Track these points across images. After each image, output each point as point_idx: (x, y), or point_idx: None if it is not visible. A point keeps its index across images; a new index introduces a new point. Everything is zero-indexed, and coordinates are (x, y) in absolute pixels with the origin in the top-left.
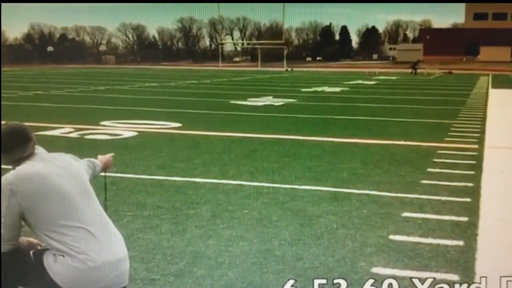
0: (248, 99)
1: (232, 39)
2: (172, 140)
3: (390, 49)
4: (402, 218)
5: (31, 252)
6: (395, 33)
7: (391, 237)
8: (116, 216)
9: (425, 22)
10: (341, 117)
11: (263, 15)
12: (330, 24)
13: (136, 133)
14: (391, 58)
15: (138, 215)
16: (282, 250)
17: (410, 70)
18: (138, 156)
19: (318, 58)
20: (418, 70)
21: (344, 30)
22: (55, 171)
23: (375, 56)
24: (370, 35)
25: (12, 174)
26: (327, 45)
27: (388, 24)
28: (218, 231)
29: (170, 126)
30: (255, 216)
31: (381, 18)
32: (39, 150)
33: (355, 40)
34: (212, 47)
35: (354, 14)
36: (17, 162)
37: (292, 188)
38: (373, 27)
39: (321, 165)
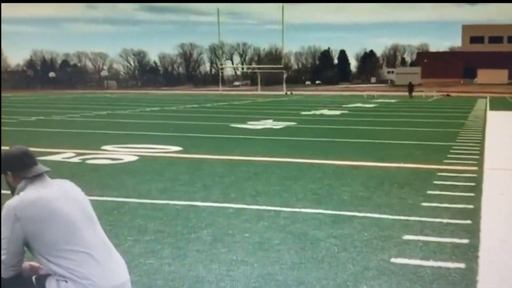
0: (248, 122)
1: (232, 63)
2: (173, 164)
3: (388, 72)
4: (403, 241)
5: (33, 278)
6: (393, 56)
7: (393, 260)
8: (117, 240)
9: (422, 45)
10: (341, 140)
11: (262, 40)
12: (329, 48)
13: (137, 157)
14: (389, 81)
15: (139, 240)
16: (283, 274)
17: (407, 93)
18: (139, 180)
19: (317, 82)
20: (414, 93)
21: (343, 54)
22: (59, 196)
23: (373, 80)
24: (368, 59)
25: (17, 200)
26: (326, 69)
27: (386, 48)
28: (219, 256)
29: (171, 150)
30: (256, 240)
31: (379, 42)
32: (43, 175)
33: (353, 63)
34: (213, 72)
35: (352, 38)
36: (21, 186)
37: (294, 211)
38: (371, 51)
39: (322, 188)
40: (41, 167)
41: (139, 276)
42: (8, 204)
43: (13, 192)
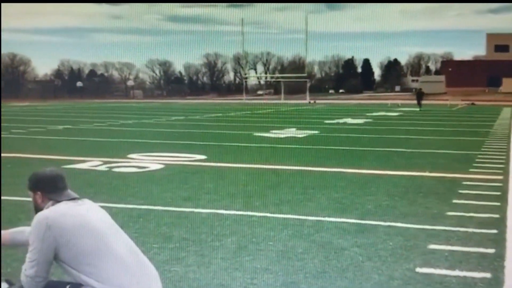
0: (272, 131)
1: (256, 73)
2: (198, 172)
3: (413, 81)
4: (429, 250)
5: (67, 287)
6: (417, 65)
7: (418, 269)
8: (143, 248)
9: (446, 54)
10: (365, 148)
11: (286, 49)
12: (352, 57)
13: (162, 166)
14: (413, 90)
15: (164, 247)
16: (307, 283)
17: (432, 102)
18: (165, 188)
19: (340, 91)
20: (440, 102)
21: (366, 63)
22: (87, 208)
23: (397, 88)
24: (392, 67)
25: (48, 210)
26: (349, 77)
27: (410, 56)
28: (243, 263)
29: (195, 159)
30: (280, 249)
31: (403, 51)
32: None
33: (377, 72)
34: (236, 81)
35: (376, 47)
36: (48, 205)
37: (317, 220)
38: (395, 59)
39: (346, 197)
40: (71, 193)
41: (165, 283)
42: (39, 214)
43: (37, 211)
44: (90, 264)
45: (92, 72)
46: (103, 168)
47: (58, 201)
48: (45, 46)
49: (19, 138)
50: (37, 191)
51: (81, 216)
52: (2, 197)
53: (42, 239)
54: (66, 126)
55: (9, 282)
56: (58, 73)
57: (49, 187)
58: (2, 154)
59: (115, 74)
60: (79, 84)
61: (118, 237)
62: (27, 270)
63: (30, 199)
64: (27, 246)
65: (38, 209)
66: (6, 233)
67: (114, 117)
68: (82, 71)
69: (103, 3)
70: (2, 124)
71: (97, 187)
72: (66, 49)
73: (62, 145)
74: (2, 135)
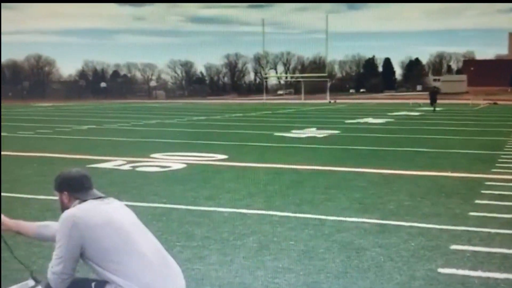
0: (292, 131)
1: (276, 72)
2: (219, 171)
3: (434, 80)
4: (451, 251)
5: (92, 284)
6: (439, 64)
7: (440, 270)
8: (166, 246)
9: (468, 53)
10: (387, 148)
11: (306, 49)
12: (373, 56)
13: (184, 165)
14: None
15: (187, 246)
16: (328, 282)
17: (453, 101)
18: (187, 187)
19: (361, 90)
20: (462, 101)
21: (388, 62)
22: (113, 207)
23: (419, 87)
24: (413, 66)
25: (75, 208)
26: (370, 77)
27: (432, 55)
28: (265, 263)
29: (217, 158)
30: (301, 248)
31: (424, 50)
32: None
33: (398, 71)
34: (257, 81)
35: (397, 46)
36: (75, 204)
37: (339, 220)
38: (417, 59)
39: (367, 197)
40: (97, 192)
41: (187, 282)
42: (66, 212)
43: (63, 211)
44: (115, 261)
45: (116, 73)
46: (126, 167)
47: (84, 200)
48: (69, 47)
49: (45, 138)
50: (64, 191)
51: (107, 214)
52: (29, 195)
53: (69, 236)
54: (90, 126)
55: (35, 279)
56: (82, 74)
57: (75, 186)
58: (28, 153)
59: (138, 74)
60: (102, 84)
61: (144, 235)
62: (54, 267)
63: (56, 198)
64: (51, 241)
65: (64, 208)
66: (33, 226)
67: (137, 117)
68: (105, 72)
69: (125, 3)
70: (29, 124)
71: (121, 186)
72: (90, 50)
73: (86, 144)
74: (28, 135)
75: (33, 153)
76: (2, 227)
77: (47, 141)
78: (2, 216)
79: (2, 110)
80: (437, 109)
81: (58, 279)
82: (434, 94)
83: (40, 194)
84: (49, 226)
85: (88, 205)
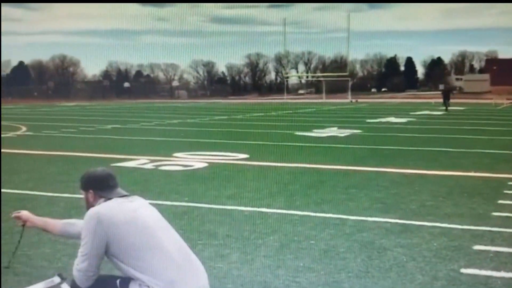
0: (313, 130)
1: (297, 72)
2: (240, 170)
3: (457, 79)
4: (474, 251)
5: (117, 281)
6: (461, 63)
7: (463, 270)
8: (188, 244)
9: (491, 52)
10: (409, 148)
11: (327, 48)
12: (395, 55)
13: (206, 164)
14: (457, 88)
15: (209, 244)
16: (350, 282)
17: (476, 101)
18: (209, 186)
19: (383, 89)
20: (483, 101)
21: (409, 61)
22: (138, 205)
23: (441, 87)
24: (435, 65)
25: (100, 206)
26: (392, 76)
27: (454, 55)
28: (286, 262)
29: (238, 157)
30: (322, 247)
31: (446, 49)
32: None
33: (420, 71)
34: (278, 81)
35: (419, 45)
36: (100, 202)
37: (360, 220)
38: (439, 58)
39: (389, 197)
40: (121, 190)
41: (209, 280)
42: (91, 210)
43: (88, 209)
44: (140, 258)
45: (139, 73)
46: (149, 166)
47: (109, 199)
48: (94, 47)
49: (70, 137)
50: (89, 190)
51: (132, 211)
52: (54, 194)
53: (94, 233)
54: (114, 126)
55: (61, 276)
56: (106, 74)
57: (101, 185)
58: (53, 152)
59: (161, 75)
60: (126, 84)
61: (168, 233)
62: (79, 264)
63: (81, 196)
64: (76, 238)
65: (90, 207)
66: (59, 223)
67: (160, 117)
68: (129, 72)
69: (148, 4)
70: (54, 123)
71: (144, 185)
72: (114, 50)
73: (110, 143)
74: (53, 134)
75: (58, 152)
76: (28, 224)
77: (72, 140)
78: (29, 213)
79: (27, 109)
80: (461, 108)
81: (83, 276)
82: (447, 94)
83: (65, 192)
84: (74, 224)
85: (112, 203)
